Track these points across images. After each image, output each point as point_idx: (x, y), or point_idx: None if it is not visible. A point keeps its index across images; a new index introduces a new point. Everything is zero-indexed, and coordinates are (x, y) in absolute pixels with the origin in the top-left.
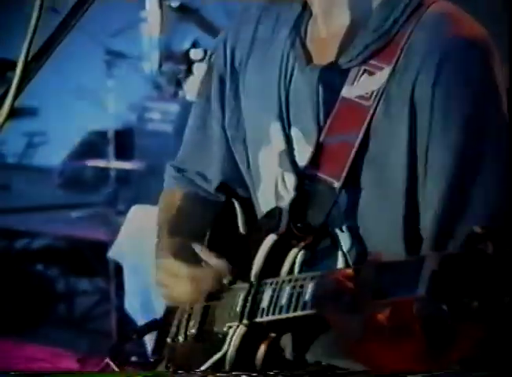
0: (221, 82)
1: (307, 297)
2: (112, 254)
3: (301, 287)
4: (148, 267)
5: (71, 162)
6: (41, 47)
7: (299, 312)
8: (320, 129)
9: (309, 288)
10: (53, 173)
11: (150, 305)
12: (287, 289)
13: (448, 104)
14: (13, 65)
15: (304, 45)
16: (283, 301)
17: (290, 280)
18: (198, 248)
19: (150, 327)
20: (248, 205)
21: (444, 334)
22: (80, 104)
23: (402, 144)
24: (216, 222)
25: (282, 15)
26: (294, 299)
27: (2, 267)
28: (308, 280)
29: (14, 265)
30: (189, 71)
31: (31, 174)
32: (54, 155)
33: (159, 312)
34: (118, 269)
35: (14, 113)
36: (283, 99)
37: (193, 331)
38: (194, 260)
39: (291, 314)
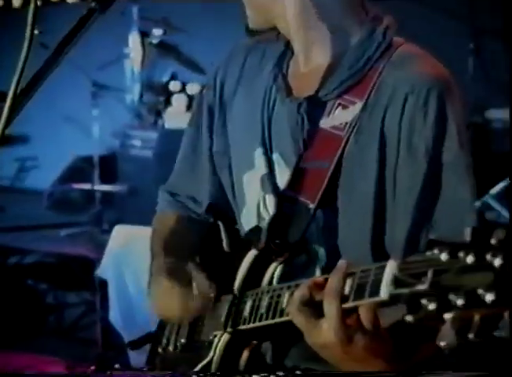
0: (211, 112)
1: (284, 305)
2: (100, 271)
3: (279, 296)
4: (130, 282)
5: (60, 185)
6: (29, 82)
7: (277, 319)
8: (298, 156)
9: (286, 297)
10: (43, 195)
11: (131, 317)
12: (266, 299)
13: (412, 135)
14: (4, 96)
15: (285, 79)
16: (263, 309)
17: (268, 291)
18: (191, 268)
19: (144, 340)
20: (232, 225)
21: (408, 336)
22: (68, 131)
23: (371, 171)
24: (204, 241)
25: (267, 51)
26: (272, 307)
27: None
28: (285, 290)
29: (7, 279)
30: (168, 102)
31: (23, 196)
32: (44, 178)
33: (139, 323)
34: (103, 283)
35: (7, 140)
36: (265, 127)
37: (183, 340)
38: (186, 280)
39: (270, 321)
